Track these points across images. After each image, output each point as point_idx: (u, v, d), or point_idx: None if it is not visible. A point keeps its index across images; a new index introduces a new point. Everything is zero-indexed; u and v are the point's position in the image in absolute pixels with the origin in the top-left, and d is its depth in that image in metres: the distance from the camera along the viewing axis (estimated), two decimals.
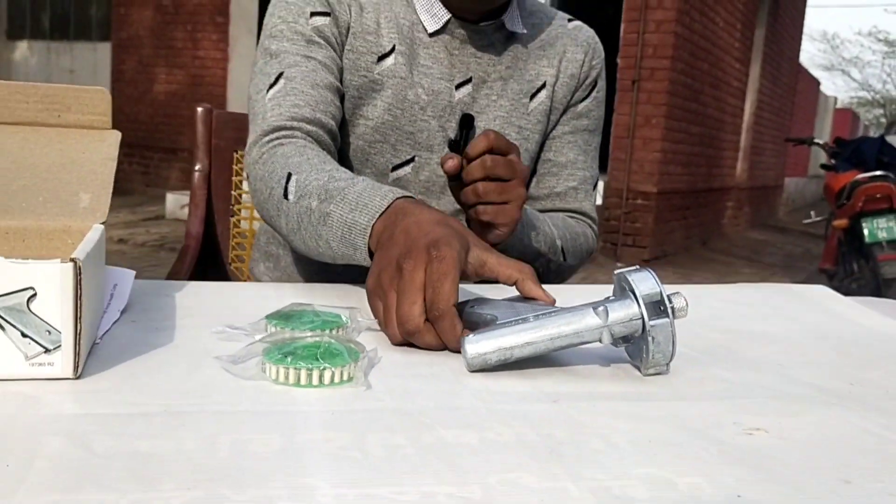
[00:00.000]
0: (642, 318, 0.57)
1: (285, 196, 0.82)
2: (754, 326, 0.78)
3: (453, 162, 0.84)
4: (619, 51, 5.82)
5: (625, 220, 5.84)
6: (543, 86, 1.07)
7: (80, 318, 0.48)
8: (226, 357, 0.54)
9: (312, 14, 0.96)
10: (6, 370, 0.48)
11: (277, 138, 0.89)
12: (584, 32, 1.12)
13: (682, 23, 5.73)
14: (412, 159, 1.01)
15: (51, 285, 0.47)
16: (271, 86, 0.93)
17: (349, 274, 0.88)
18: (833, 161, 4.60)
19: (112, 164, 0.70)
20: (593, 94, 1.12)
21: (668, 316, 0.58)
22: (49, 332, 0.48)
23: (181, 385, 0.50)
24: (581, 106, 1.11)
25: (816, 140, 4.88)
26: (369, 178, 0.78)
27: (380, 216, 0.70)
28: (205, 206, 1.25)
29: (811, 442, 0.47)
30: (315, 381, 0.51)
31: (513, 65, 1.05)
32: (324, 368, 0.51)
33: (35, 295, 0.47)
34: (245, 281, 1.29)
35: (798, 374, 0.62)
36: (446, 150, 1.02)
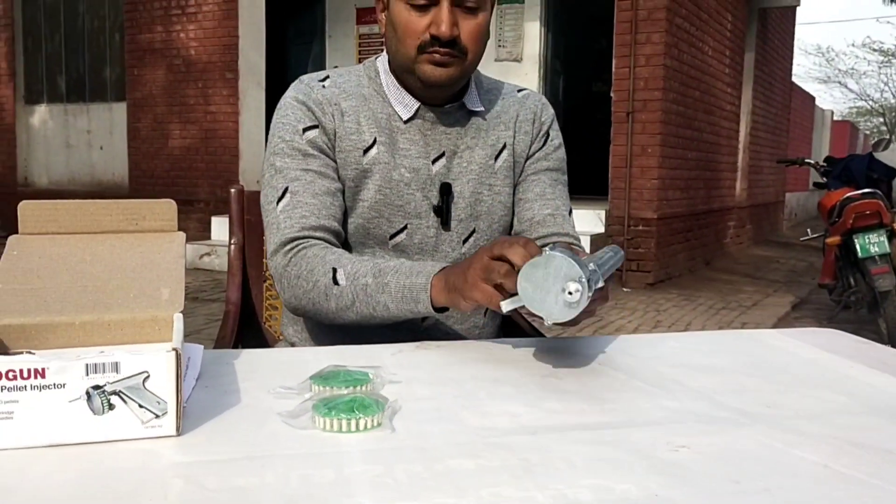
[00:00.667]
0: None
1: (335, 283, 1.06)
2: (701, 361, 0.95)
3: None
4: (611, 84, 6.04)
5: (628, 247, 6.00)
6: (504, 146, 1.26)
7: (179, 390, 0.66)
8: (285, 413, 0.71)
9: (304, 130, 1.17)
10: (128, 432, 0.65)
11: (296, 246, 1.11)
12: (531, 98, 1.32)
13: (670, 55, 5.95)
14: (405, 227, 1.21)
15: (160, 369, 0.65)
16: (280, 199, 1.14)
17: (363, 336, 1.06)
18: (825, 179, 4.76)
19: (182, 261, 0.88)
20: (548, 142, 1.31)
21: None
22: (159, 403, 0.65)
23: (254, 436, 0.67)
24: (539, 153, 1.30)
25: (807, 160, 5.04)
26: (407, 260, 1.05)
27: (435, 275, 0.99)
28: (241, 275, 1.43)
29: (719, 455, 0.64)
30: (353, 428, 0.68)
31: (477, 135, 1.25)
32: (359, 418, 0.69)
33: (148, 377, 0.65)
34: (278, 338, 1.47)
35: (726, 401, 0.79)
36: (433, 215, 1.21)
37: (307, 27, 8.61)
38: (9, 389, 0.61)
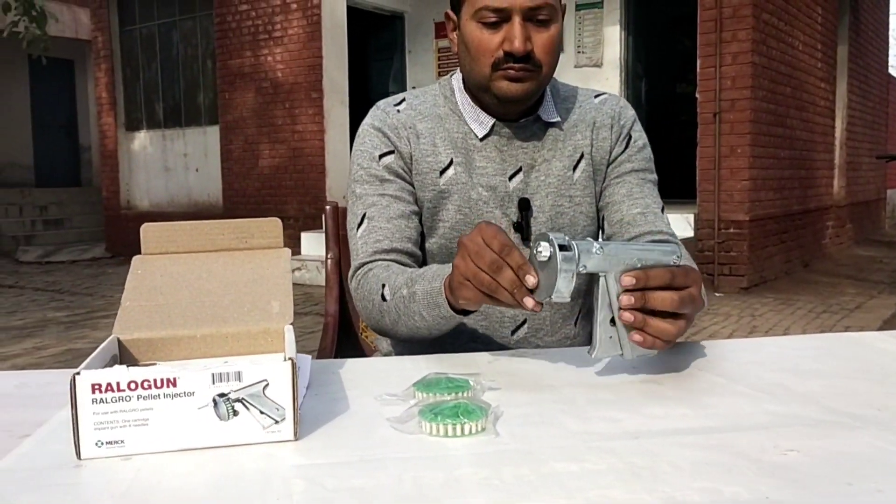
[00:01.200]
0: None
1: (383, 299, 1.09)
2: (806, 365, 0.93)
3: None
4: (696, 85, 5.91)
5: (719, 250, 5.84)
6: (582, 156, 1.24)
7: (296, 397, 0.70)
8: (392, 418, 0.74)
9: (381, 156, 1.21)
10: (251, 437, 0.69)
11: (366, 269, 1.16)
12: (609, 102, 1.29)
13: (758, 52, 5.78)
14: None
15: (278, 377, 0.69)
16: (359, 225, 1.20)
17: (456, 349, 1.08)
18: None
19: (288, 275, 0.93)
20: (631, 143, 1.27)
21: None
22: (277, 409, 0.70)
23: (365, 441, 0.70)
24: (622, 156, 1.26)
25: None
26: (441, 265, 1.03)
27: (447, 276, 0.96)
28: (338, 288, 1.48)
29: (830, 458, 0.64)
30: (459, 432, 0.71)
31: (553, 146, 1.24)
32: (464, 423, 0.71)
33: (268, 385, 0.69)
34: (374, 349, 1.51)
35: (835, 405, 0.77)
36: (513, 232, 1.21)
37: (387, 43, 8.79)
38: (144, 398, 0.66)
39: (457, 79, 1.27)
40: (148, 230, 0.93)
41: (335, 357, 1.42)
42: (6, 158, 12.17)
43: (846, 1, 8.40)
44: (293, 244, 7.24)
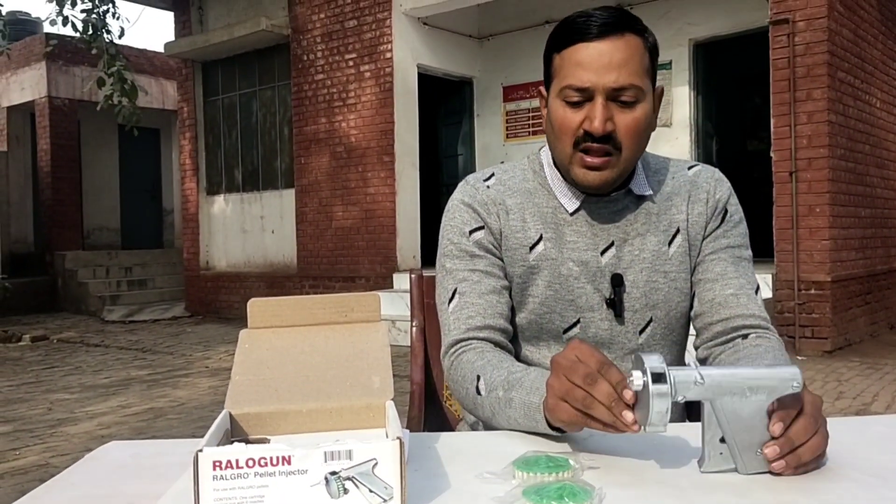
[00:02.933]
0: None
1: (478, 393, 1.08)
2: None
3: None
4: (769, 143, 5.83)
5: (800, 312, 5.66)
6: (678, 231, 1.21)
7: (404, 476, 0.71)
8: (496, 498, 0.75)
9: (471, 231, 1.22)
10: None
11: (457, 350, 1.17)
12: (703, 175, 1.26)
13: (834, 111, 5.68)
14: (578, 321, 1.20)
15: (387, 456, 0.71)
16: (450, 300, 1.21)
17: None
18: None
19: (387, 349, 0.95)
20: (726, 218, 1.23)
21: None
22: (386, 488, 0.71)
23: None
24: (717, 231, 1.23)
25: None
26: (540, 368, 1.01)
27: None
28: (423, 356, 1.50)
29: None
30: None
31: (647, 220, 1.21)
32: None
33: (377, 463, 0.71)
34: (458, 418, 1.52)
35: None
36: (605, 308, 1.19)
37: (456, 107, 8.98)
38: (261, 475, 0.69)
39: (546, 153, 1.26)
40: (254, 305, 0.98)
41: (423, 425, 1.43)
42: (96, 222, 12.80)
43: None
44: None
